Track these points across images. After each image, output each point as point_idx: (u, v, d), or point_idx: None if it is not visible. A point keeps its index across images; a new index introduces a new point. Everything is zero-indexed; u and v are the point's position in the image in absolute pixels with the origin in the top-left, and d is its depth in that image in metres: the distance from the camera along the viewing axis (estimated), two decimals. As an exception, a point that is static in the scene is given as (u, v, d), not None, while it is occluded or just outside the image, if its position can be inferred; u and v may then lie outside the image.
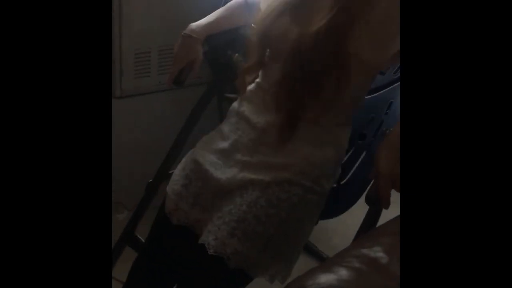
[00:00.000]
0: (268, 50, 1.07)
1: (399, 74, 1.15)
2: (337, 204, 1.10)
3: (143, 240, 1.24)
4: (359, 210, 1.00)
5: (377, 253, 0.64)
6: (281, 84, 0.99)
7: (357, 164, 1.13)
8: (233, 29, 1.21)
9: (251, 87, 1.09)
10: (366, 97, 1.05)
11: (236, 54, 1.21)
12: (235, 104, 1.11)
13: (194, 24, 1.17)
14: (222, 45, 1.19)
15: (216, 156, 1.05)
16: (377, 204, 0.90)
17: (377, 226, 0.94)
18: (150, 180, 1.34)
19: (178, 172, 1.10)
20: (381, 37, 0.94)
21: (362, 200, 0.99)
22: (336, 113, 1.01)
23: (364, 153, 1.13)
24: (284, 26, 1.01)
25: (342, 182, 1.11)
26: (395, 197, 0.84)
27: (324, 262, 0.70)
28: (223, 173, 1.02)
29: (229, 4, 1.22)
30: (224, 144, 1.06)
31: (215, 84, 1.27)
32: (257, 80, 1.09)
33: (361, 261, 0.63)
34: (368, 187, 0.90)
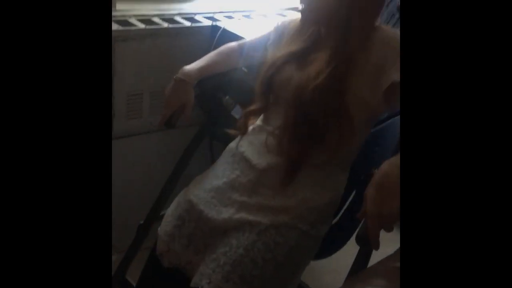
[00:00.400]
0: (271, 95, 1.10)
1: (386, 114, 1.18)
2: (328, 244, 1.10)
3: (134, 284, 1.23)
4: (351, 248, 1.00)
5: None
6: (284, 129, 1.02)
7: (347, 204, 1.14)
8: (223, 73, 1.25)
9: (252, 128, 1.11)
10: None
11: (227, 97, 1.23)
12: (232, 144, 1.13)
13: (187, 68, 1.19)
14: (212, 88, 1.22)
15: (211, 194, 1.06)
16: (367, 244, 0.91)
17: (368, 265, 0.94)
18: (141, 222, 1.33)
19: (170, 213, 1.10)
20: (377, 76, 0.97)
21: (353, 238, 0.99)
22: (338, 159, 1.04)
23: (354, 192, 1.14)
24: (288, 75, 1.06)
25: (333, 222, 1.12)
26: (385, 235, 0.85)
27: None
28: (219, 212, 1.02)
29: (221, 48, 1.26)
30: (219, 183, 1.06)
31: (206, 125, 1.30)
32: (259, 122, 1.12)
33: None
34: (359, 227, 0.91)
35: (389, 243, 0.86)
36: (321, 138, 1.01)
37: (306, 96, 0.98)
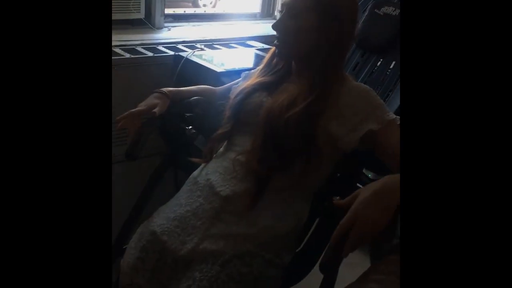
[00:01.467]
0: (238, 122, 1.13)
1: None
2: (293, 273, 1.10)
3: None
4: (316, 277, 1.00)
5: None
6: (253, 150, 1.05)
7: (311, 232, 1.15)
8: (187, 104, 1.26)
9: (215, 156, 1.12)
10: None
11: (190, 127, 1.24)
12: (195, 172, 1.13)
13: (166, 88, 1.24)
14: (175, 119, 1.22)
15: (174, 224, 1.04)
16: (331, 272, 0.91)
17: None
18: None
19: (133, 245, 1.08)
20: (348, 120, 1.03)
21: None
22: (302, 187, 1.06)
23: (317, 220, 1.15)
24: (257, 101, 1.10)
25: (297, 250, 1.12)
26: (352, 259, 0.85)
27: None
28: (183, 242, 1.01)
29: (200, 86, 1.32)
30: (182, 211, 1.06)
31: (169, 155, 1.29)
32: (222, 150, 1.13)
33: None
34: (322, 255, 0.92)
35: (352, 269, 0.87)
36: (288, 163, 1.03)
37: (278, 123, 1.02)
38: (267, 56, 1.20)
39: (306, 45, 1.07)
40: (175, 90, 1.26)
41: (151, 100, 1.20)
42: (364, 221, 0.81)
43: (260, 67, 1.21)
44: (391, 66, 1.35)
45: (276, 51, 1.13)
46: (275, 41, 1.11)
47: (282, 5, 1.10)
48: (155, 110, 1.17)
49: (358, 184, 1.09)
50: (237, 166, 1.06)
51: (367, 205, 0.82)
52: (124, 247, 1.15)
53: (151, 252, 1.04)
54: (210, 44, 2.03)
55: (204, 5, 2.87)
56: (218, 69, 1.64)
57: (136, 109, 1.18)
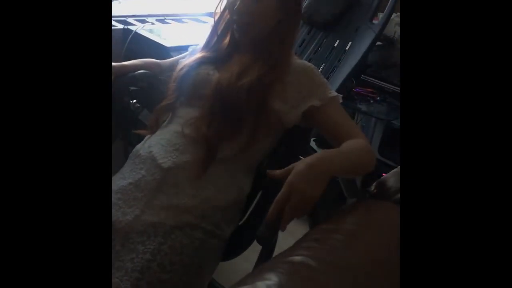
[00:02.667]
0: (182, 95, 1.14)
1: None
2: (236, 245, 1.12)
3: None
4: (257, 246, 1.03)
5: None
6: (202, 117, 1.06)
7: (253, 204, 1.17)
8: (131, 78, 1.24)
9: (159, 129, 1.12)
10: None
11: (134, 101, 1.23)
12: (138, 146, 1.13)
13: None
14: (118, 92, 1.20)
15: (117, 196, 1.04)
16: (267, 243, 0.93)
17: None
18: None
19: None
20: (291, 97, 1.07)
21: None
22: (244, 159, 1.08)
23: (260, 192, 1.17)
24: (204, 73, 1.12)
25: (240, 223, 1.14)
26: (291, 227, 0.87)
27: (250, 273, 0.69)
28: (124, 214, 1.01)
29: (145, 59, 1.30)
30: (124, 183, 1.06)
31: (115, 130, 1.27)
32: (165, 123, 1.13)
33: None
34: (260, 228, 0.93)
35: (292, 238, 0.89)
36: (234, 133, 1.05)
37: (230, 91, 1.04)
38: (209, 32, 1.20)
39: (268, 27, 1.11)
40: (118, 64, 1.24)
41: None
42: (299, 194, 0.83)
43: (204, 42, 1.21)
44: (335, 44, 1.37)
45: (237, 33, 1.13)
46: (235, 26, 1.12)
47: None
48: None
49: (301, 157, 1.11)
50: (179, 138, 1.07)
51: (302, 177, 0.84)
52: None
53: None
54: (162, 19, 1.99)
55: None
56: (168, 43, 1.62)
57: None
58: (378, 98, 2.14)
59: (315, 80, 1.10)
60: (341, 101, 1.10)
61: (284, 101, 1.07)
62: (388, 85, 2.16)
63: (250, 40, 1.13)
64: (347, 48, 1.33)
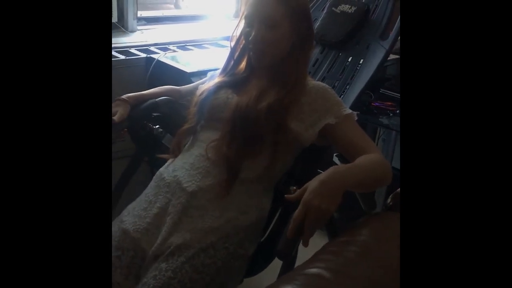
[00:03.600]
0: (203, 118, 1.19)
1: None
2: (258, 262, 1.15)
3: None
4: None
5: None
6: (222, 138, 1.11)
7: (274, 221, 1.20)
8: (153, 104, 1.30)
9: (181, 154, 1.17)
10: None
11: (157, 126, 1.28)
12: (161, 170, 1.18)
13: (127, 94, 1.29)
14: (142, 119, 1.27)
15: (146, 221, 1.09)
16: (287, 257, 0.96)
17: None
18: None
19: None
20: (308, 116, 1.11)
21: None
22: (265, 179, 1.12)
23: (280, 209, 1.21)
24: (223, 97, 1.17)
25: (262, 240, 1.17)
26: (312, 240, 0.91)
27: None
28: (154, 238, 1.06)
29: (164, 86, 1.36)
30: (153, 208, 1.10)
31: (138, 155, 1.34)
32: (186, 147, 1.18)
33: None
34: (279, 243, 0.97)
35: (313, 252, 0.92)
36: (256, 151, 1.10)
37: (249, 113, 1.09)
38: (227, 57, 1.26)
39: (283, 52, 1.15)
40: (136, 94, 1.30)
41: (112, 108, 1.24)
42: (314, 210, 0.88)
43: (222, 67, 1.27)
44: (348, 62, 1.41)
45: (254, 60, 1.18)
46: (251, 53, 1.17)
47: (249, 17, 1.14)
48: (114, 117, 1.21)
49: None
50: (202, 161, 1.11)
51: (316, 195, 0.89)
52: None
53: (126, 249, 1.08)
54: (183, 45, 2.07)
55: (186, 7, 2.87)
56: (188, 69, 1.69)
57: None
58: (397, 111, 2.15)
59: (330, 100, 1.14)
60: (356, 118, 1.14)
61: (301, 120, 1.11)
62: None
63: (266, 65, 1.18)
64: (359, 66, 1.36)
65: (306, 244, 0.91)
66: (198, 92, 1.25)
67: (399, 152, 2.18)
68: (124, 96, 1.27)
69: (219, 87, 1.22)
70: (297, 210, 0.89)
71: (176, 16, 2.35)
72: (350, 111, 1.13)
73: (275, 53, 1.15)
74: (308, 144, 1.14)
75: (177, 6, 2.52)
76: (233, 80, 1.23)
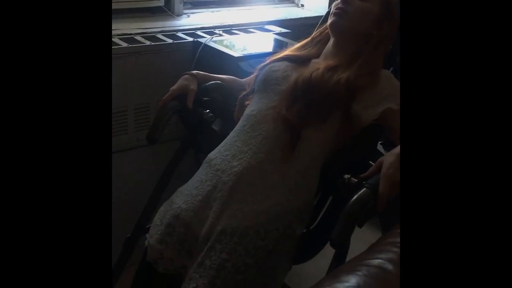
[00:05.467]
0: (260, 88, 1.20)
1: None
2: (308, 249, 1.14)
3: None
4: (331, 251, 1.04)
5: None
6: (280, 105, 1.11)
7: (325, 208, 1.18)
8: (204, 89, 1.30)
9: (224, 142, 1.16)
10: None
11: (207, 111, 1.28)
12: (211, 155, 1.17)
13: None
14: (194, 103, 1.26)
15: (198, 199, 1.09)
16: (341, 246, 0.95)
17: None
18: (128, 236, 1.36)
19: (158, 222, 1.13)
20: (370, 97, 1.11)
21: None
22: (319, 156, 1.11)
23: (330, 197, 1.19)
24: (283, 70, 1.20)
25: (311, 227, 1.16)
26: (359, 235, 0.89)
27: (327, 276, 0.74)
28: (206, 217, 1.06)
29: (228, 76, 1.39)
30: (204, 186, 1.10)
31: (188, 139, 1.34)
32: (237, 126, 1.16)
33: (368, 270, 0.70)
34: (333, 231, 0.95)
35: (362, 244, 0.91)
36: (320, 118, 1.09)
37: (314, 79, 1.10)
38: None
39: (363, 27, 1.17)
40: (204, 73, 1.33)
41: (182, 81, 1.28)
42: (396, 182, 0.93)
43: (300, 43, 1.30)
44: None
45: (332, 22, 1.19)
46: (335, 10, 1.19)
47: None
48: (192, 87, 1.26)
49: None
50: (254, 136, 1.10)
51: (396, 167, 0.94)
52: (147, 226, 1.21)
53: (177, 226, 1.09)
54: (229, 29, 2.06)
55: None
56: (236, 54, 1.68)
57: (169, 93, 1.26)
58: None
59: (393, 85, 1.14)
60: None
61: (365, 100, 1.11)
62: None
63: (341, 32, 1.19)
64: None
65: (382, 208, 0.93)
66: (262, 64, 1.27)
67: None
68: (194, 72, 1.30)
69: (281, 59, 1.24)
70: (380, 185, 0.93)
71: (222, 0, 2.33)
72: None
73: (355, 22, 1.17)
74: (366, 123, 1.11)
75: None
76: (300, 55, 1.24)
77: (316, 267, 1.14)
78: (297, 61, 1.22)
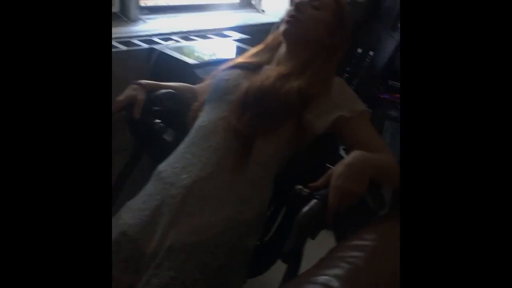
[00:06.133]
0: (211, 99, 1.17)
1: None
2: (262, 261, 1.12)
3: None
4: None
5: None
6: (229, 116, 1.08)
7: (279, 219, 1.16)
8: (154, 98, 1.26)
9: (174, 154, 1.12)
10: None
11: (158, 121, 1.24)
12: (160, 167, 1.14)
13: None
14: (143, 114, 1.22)
15: (145, 214, 1.05)
16: (293, 261, 0.93)
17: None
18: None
19: None
20: (323, 105, 1.09)
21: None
22: (271, 165, 1.08)
23: (284, 208, 1.17)
24: (235, 78, 1.16)
25: (266, 239, 1.14)
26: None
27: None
28: (153, 232, 1.02)
29: (181, 83, 1.34)
30: (152, 201, 1.07)
31: (136, 150, 1.29)
32: (187, 138, 1.13)
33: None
34: (285, 244, 0.93)
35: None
36: (271, 127, 1.07)
37: (264, 88, 1.08)
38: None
39: (316, 34, 1.16)
40: (153, 82, 1.28)
41: (129, 91, 1.23)
42: (345, 193, 0.91)
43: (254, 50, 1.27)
44: (358, 52, 1.35)
45: (285, 30, 1.17)
46: (287, 18, 1.17)
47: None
48: (140, 97, 1.21)
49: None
50: (203, 147, 1.07)
51: (345, 178, 0.92)
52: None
53: (124, 243, 1.04)
54: (186, 36, 2.02)
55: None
56: (191, 61, 1.64)
57: (114, 104, 1.21)
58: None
59: (346, 92, 1.14)
60: (369, 115, 1.10)
61: (317, 109, 1.09)
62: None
63: (294, 40, 1.17)
64: (368, 58, 1.31)
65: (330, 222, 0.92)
66: (213, 73, 1.25)
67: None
68: (142, 81, 1.25)
69: (233, 67, 1.21)
70: (330, 197, 0.91)
71: (180, 5, 2.29)
72: (365, 108, 1.10)
73: (307, 30, 1.15)
74: (319, 132, 1.10)
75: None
76: (252, 62, 1.22)
77: (271, 280, 1.12)
78: (249, 68, 1.20)
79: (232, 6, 2.50)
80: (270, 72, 1.14)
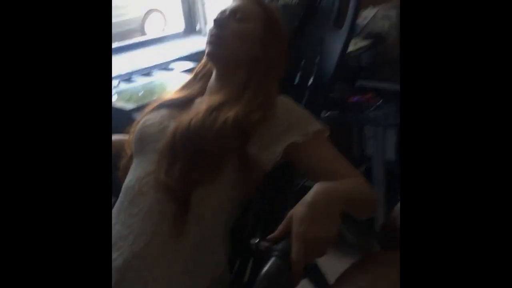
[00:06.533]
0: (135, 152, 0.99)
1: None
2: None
3: None
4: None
5: None
6: (156, 173, 0.89)
7: (247, 275, 0.97)
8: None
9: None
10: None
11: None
12: None
13: None
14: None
15: None
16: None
17: None
18: None
19: None
20: (268, 133, 0.90)
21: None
22: (221, 219, 0.90)
23: (251, 260, 0.98)
24: (159, 122, 0.97)
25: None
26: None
27: None
28: None
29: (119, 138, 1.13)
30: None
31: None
32: (116, 210, 0.93)
33: None
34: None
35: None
36: (205, 178, 0.88)
37: (194, 128, 0.89)
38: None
39: (245, 51, 0.98)
40: None
41: None
42: (312, 242, 0.71)
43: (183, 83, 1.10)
44: (301, 64, 1.18)
45: (210, 49, 0.99)
46: (209, 38, 0.99)
47: (223, 11, 1.01)
48: None
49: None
50: (134, 213, 0.88)
51: (309, 223, 0.72)
52: None
53: None
54: (128, 78, 1.85)
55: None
56: (128, 106, 1.47)
57: None
58: (380, 101, 1.93)
59: (294, 112, 0.95)
60: (328, 133, 0.93)
61: (259, 137, 0.90)
62: (390, 83, 1.94)
63: (221, 60, 1.00)
64: (315, 66, 1.13)
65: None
66: (138, 119, 1.05)
67: (393, 147, 1.99)
68: None
69: (158, 107, 1.02)
70: (293, 250, 0.71)
71: (127, 45, 2.16)
72: (320, 126, 0.92)
73: (234, 48, 0.97)
74: (269, 166, 0.91)
75: (142, 32, 2.32)
76: (180, 97, 1.03)
77: None
78: (177, 105, 1.01)
79: (177, 36, 2.35)
80: (201, 105, 0.96)
